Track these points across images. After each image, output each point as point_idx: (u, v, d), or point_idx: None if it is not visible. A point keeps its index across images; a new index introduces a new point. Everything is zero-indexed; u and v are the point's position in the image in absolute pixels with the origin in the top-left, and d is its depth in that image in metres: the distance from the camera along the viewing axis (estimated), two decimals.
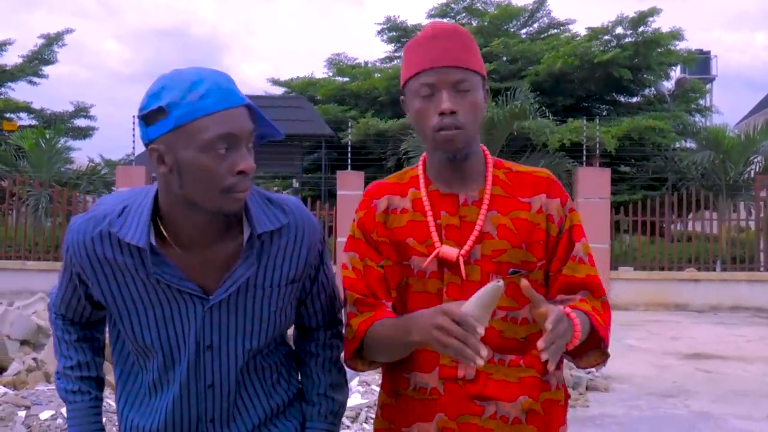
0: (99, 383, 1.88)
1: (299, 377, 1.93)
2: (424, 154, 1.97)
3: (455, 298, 1.79)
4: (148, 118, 1.57)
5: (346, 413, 5.40)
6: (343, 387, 1.94)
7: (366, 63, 24.22)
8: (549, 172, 1.96)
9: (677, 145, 20.87)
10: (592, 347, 1.84)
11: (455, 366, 1.82)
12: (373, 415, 5.40)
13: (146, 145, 1.61)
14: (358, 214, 1.94)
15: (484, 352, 1.53)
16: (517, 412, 1.82)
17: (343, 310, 1.93)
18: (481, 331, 1.53)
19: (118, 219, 1.67)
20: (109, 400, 5.13)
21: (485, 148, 1.95)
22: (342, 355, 1.93)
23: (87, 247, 1.68)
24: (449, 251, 1.83)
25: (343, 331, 1.92)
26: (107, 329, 1.85)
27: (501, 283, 1.55)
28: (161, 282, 1.66)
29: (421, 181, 1.91)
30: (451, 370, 1.82)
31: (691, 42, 44.48)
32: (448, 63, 1.81)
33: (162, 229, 1.67)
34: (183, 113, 1.54)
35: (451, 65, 1.81)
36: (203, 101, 1.54)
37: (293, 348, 1.95)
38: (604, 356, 1.88)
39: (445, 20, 22.45)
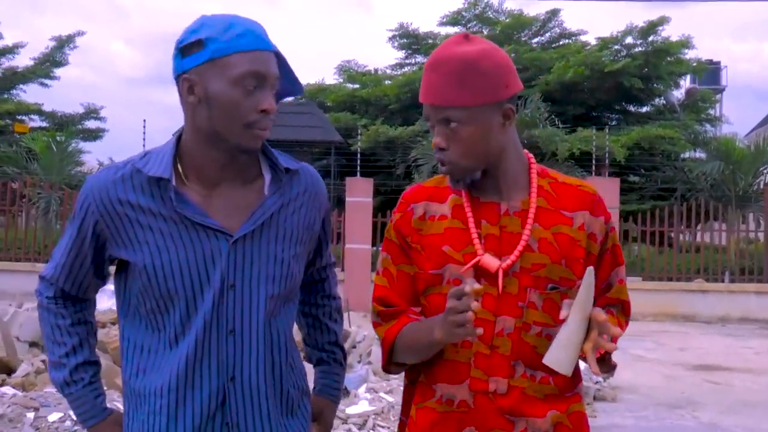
0: (93, 364, 1.87)
1: (303, 357, 1.98)
2: None
3: (490, 309, 1.78)
4: (185, 49, 1.70)
5: (354, 420, 5.41)
6: (341, 334, 2.12)
7: (376, 70, 24.26)
8: (594, 188, 1.93)
9: (687, 155, 20.84)
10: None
11: (486, 379, 1.79)
12: (381, 423, 5.43)
13: (177, 76, 1.72)
14: (395, 216, 1.93)
15: (474, 304, 1.60)
16: (547, 426, 1.80)
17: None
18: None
19: (140, 160, 1.76)
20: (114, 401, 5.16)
21: (530, 155, 1.91)
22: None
23: (109, 193, 1.74)
24: (490, 261, 1.79)
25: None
26: (117, 291, 1.84)
27: (591, 268, 1.68)
28: (184, 219, 1.72)
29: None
30: (482, 383, 1.79)
31: (700, 52, 44.40)
32: (432, 101, 1.77)
33: (182, 172, 1.75)
34: (219, 47, 1.67)
35: (436, 104, 1.77)
36: (239, 39, 1.68)
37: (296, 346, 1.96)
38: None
39: (456, 29, 22.36)
